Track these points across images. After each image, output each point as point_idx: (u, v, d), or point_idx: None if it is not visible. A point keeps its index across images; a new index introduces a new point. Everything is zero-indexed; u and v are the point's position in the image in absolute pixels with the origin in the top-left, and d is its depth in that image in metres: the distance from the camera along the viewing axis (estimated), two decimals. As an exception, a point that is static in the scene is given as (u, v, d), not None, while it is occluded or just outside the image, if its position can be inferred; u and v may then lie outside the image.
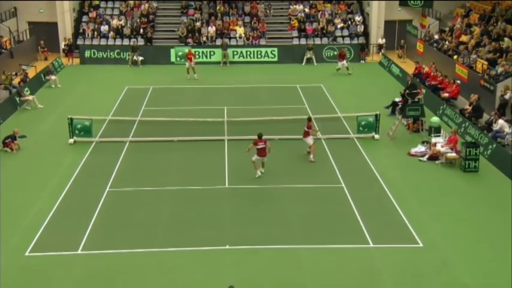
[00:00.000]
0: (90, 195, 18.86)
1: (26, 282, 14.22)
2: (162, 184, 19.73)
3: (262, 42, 39.25)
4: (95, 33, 39.48)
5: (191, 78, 33.27)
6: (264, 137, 19.94)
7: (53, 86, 32.44)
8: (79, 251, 15.53)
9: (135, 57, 37.17)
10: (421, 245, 15.81)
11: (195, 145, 23.29)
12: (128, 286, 14.07)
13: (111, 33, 39.45)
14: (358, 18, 41.02)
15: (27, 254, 15.43)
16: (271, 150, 20.15)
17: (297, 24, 40.55)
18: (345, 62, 35.01)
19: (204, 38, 39.13)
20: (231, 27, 40.16)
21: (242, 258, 15.17)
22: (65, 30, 39.59)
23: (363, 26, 40.68)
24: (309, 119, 22.08)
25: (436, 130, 23.41)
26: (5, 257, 15.24)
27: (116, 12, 41.53)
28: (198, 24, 39.96)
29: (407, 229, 16.64)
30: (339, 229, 16.73)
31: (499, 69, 27.01)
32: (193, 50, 35.20)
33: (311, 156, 21.65)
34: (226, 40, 38.67)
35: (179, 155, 22.30)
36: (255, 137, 20.00)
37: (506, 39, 29.29)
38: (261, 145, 19.75)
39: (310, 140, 21.71)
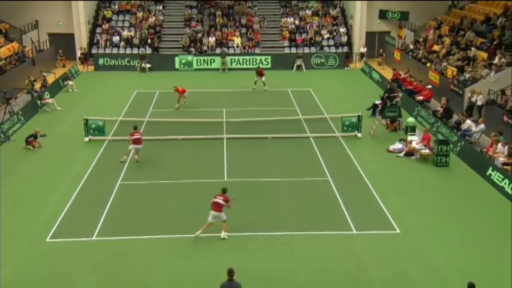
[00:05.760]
0: (104, 187, 18.81)
1: (47, 265, 14.20)
2: (168, 178, 19.69)
3: (257, 50, 39.18)
4: (108, 43, 39.33)
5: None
6: (257, 135, 18.88)
7: (70, 90, 32.29)
8: (94, 237, 15.51)
9: (143, 65, 37.06)
10: (398, 231, 15.83)
11: (197, 143, 23.23)
12: (138, 268, 14.04)
13: (122, 43, 39.29)
14: (342, 29, 41.00)
15: (48, 240, 15.42)
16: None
17: (288, 35, 40.49)
18: (263, 78, 31.96)
19: (205, 47, 39.04)
20: (229, 37, 40.07)
21: (240, 243, 15.13)
22: (81, 41, 39.42)
23: (346, 37, 40.65)
24: (225, 191, 15.48)
25: (412, 129, 23.46)
26: (29, 243, 15.23)
27: (127, 24, 41.36)
28: (199, 35, 39.86)
29: (386, 217, 16.65)
30: (326, 217, 16.73)
31: (467, 75, 27.10)
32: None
33: (224, 233, 15.33)
34: (225, 49, 38.58)
35: (183, 152, 22.24)
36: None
37: (473, 48, 29.38)
38: None
39: (224, 215, 15.30)
